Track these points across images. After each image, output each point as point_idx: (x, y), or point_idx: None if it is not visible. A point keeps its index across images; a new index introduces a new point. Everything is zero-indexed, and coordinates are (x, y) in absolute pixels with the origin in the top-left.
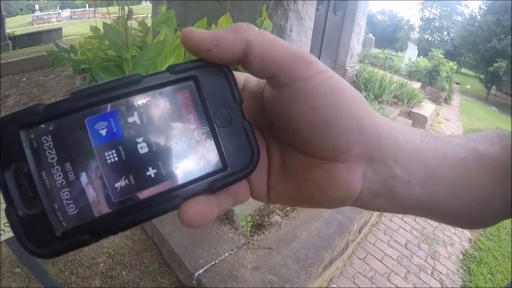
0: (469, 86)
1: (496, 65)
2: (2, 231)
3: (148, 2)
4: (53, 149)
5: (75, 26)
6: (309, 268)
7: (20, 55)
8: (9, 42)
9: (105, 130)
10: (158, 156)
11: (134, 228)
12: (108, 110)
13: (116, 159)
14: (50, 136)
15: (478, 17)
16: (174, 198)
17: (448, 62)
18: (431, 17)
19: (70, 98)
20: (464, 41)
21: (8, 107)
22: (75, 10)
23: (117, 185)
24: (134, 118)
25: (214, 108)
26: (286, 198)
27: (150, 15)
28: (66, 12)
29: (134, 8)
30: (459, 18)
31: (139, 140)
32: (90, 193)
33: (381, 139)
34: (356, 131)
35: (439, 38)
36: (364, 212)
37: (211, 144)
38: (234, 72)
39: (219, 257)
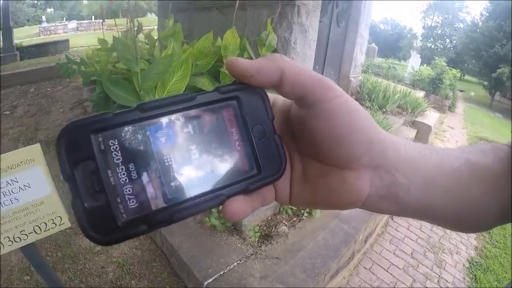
0: (473, 93)
1: (499, 70)
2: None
3: (153, 14)
4: (119, 151)
5: (81, 37)
6: (316, 277)
7: (27, 66)
8: (17, 53)
9: (164, 138)
10: (207, 161)
11: (143, 239)
12: (168, 120)
13: (172, 162)
14: (116, 140)
15: (480, 23)
16: (219, 196)
17: (451, 70)
18: (433, 25)
19: (135, 109)
20: (466, 47)
21: (17, 117)
22: (82, 22)
23: (172, 183)
24: (188, 129)
25: (252, 123)
26: (306, 201)
27: (156, 27)
28: (72, 24)
29: (139, 20)
30: (461, 25)
31: (192, 147)
32: (149, 190)
33: (385, 150)
34: (365, 144)
35: (441, 46)
36: (369, 222)
37: (249, 153)
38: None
39: (228, 267)
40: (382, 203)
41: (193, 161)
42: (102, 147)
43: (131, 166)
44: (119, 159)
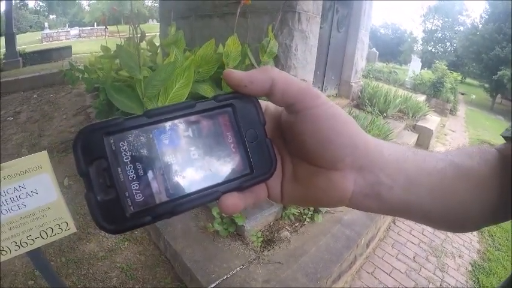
0: (474, 96)
1: (500, 73)
2: (4, 252)
3: (154, 20)
4: (128, 152)
5: (84, 44)
6: (318, 282)
7: (30, 72)
8: (20, 59)
9: (167, 140)
10: (205, 161)
11: (147, 244)
12: (171, 125)
13: (174, 162)
14: (125, 142)
15: (480, 26)
16: (215, 192)
17: (452, 73)
18: (433, 28)
19: (142, 115)
20: (467, 50)
21: (20, 123)
22: (84, 28)
23: (174, 180)
24: (188, 132)
25: (245, 128)
26: (296, 199)
27: (157, 34)
28: (75, 30)
29: (141, 27)
30: (461, 28)
31: (192, 148)
32: (154, 185)
33: (368, 152)
34: (349, 146)
35: (442, 49)
36: (371, 226)
37: (242, 154)
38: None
39: (231, 272)
40: (366, 200)
41: (192, 161)
42: (113, 148)
43: (138, 165)
44: (128, 158)
